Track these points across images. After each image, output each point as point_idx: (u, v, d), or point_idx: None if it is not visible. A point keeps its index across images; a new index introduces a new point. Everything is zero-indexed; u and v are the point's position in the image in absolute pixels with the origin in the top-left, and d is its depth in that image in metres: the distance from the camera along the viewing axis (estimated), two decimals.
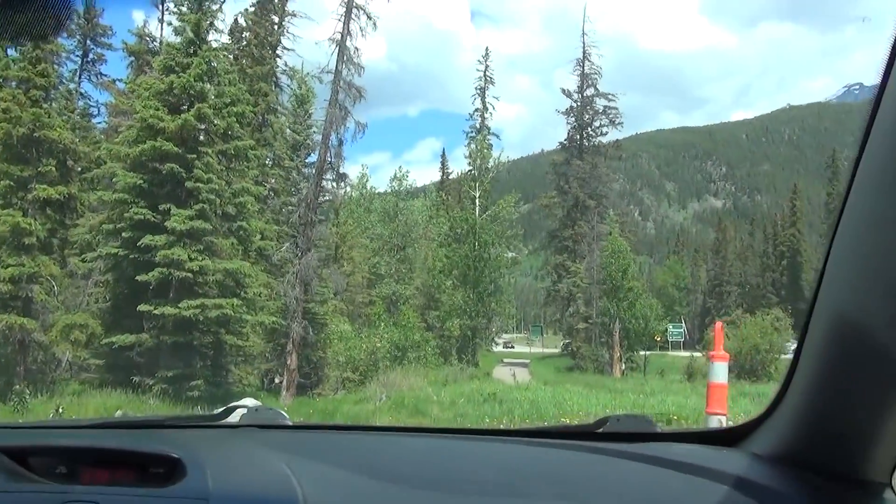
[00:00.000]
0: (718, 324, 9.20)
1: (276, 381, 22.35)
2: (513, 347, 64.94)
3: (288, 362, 21.33)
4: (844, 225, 0.92)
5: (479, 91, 45.37)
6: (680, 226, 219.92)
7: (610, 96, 41.63)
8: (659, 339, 48.69)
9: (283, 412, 1.93)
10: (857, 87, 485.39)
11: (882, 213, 0.80)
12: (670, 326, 49.89)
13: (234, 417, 1.87)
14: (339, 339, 25.10)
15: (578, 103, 41.38)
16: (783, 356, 29.59)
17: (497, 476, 1.37)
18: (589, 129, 41.55)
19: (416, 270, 42.20)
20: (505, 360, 41.77)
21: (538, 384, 23.05)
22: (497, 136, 46.94)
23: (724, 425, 7.45)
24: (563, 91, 41.76)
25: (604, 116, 41.48)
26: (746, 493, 1.18)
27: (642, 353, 36.46)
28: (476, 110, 45.02)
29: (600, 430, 1.62)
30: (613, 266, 33.62)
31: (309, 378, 22.91)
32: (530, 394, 17.76)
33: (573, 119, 41.55)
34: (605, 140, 41.83)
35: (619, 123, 41.85)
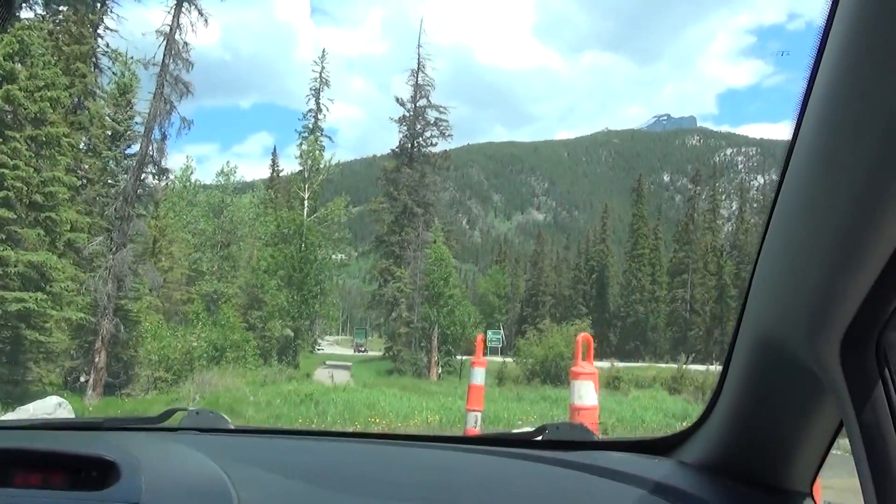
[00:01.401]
0: (479, 336, 10.74)
1: (82, 379, 21.22)
2: (365, 351, 64.12)
3: (96, 360, 20.34)
4: (768, 243, 0.95)
5: (313, 92, 45.36)
6: (504, 236, 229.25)
7: (441, 109, 42.94)
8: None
9: (224, 416, 1.90)
10: (665, 117, 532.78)
11: (801, 236, 0.85)
12: (490, 333, 52.06)
13: (173, 420, 1.88)
14: (152, 337, 24.21)
15: (411, 113, 42.41)
16: None
17: (434, 482, 1.39)
18: (420, 138, 42.70)
19: (240, 269, 41.28)
20: (327, 363, 41.95)
21: (356, 386, 23.63)
22: (330, 138, 47.16)
23: (479, 421, 8.63)
24: (397, 100, 42.66)
25: (435, 128, 42.62)
26: (674, 501, 1.22)
27: (459, 357, 38.07)
28: (310, 111, 45.01)
29: (538, 437, 1.66)
30: (436, 273, 34.96)
31: (118, 377, 21.95)
32: (346, 395, 18.32)
33: (405, 128, 42.50)
34: (435, 150, 43.04)
35: (448, 135, 43.18)
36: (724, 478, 1.29)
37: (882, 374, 0.82)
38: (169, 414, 1.91)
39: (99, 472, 1.33)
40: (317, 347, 47.93)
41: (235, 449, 1.60)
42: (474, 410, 8.37)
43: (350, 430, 9.72)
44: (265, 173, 62.10)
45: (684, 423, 14.30)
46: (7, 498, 1.22)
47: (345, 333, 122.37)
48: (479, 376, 8.73)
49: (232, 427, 1.86)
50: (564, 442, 1.60)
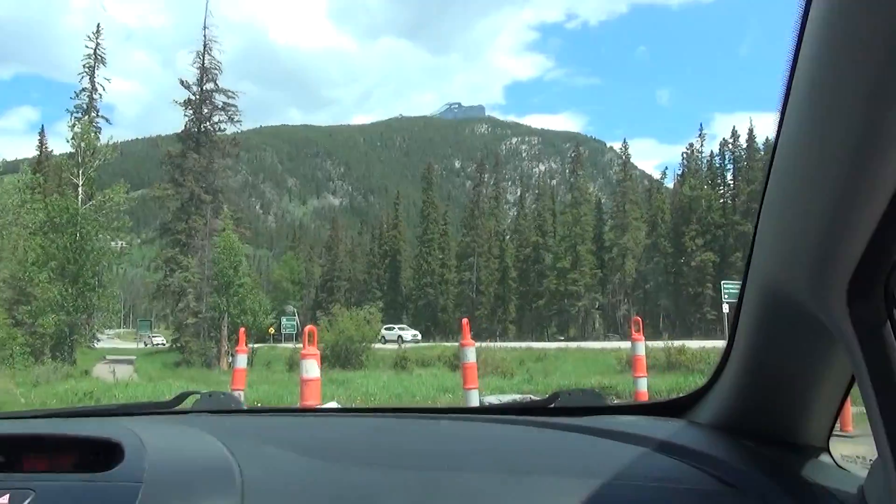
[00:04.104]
0: (242, 329, 12.48)
1: None
2: (164, 344, 60.12)
3: None
4: (770, 193, 0.93)
5: (87, 70, 42.35)
6: (299, 221, 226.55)
7: (230, 93, 41.73)
8: (272, 331, 50.48)
9: (237, 397, 1.95)
10: (457, 105, 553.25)
11: (800, 183, 0.82)
12: (284, 319, 52.00)
13: (186, 403, 1.90)
14: None
15: (197, 97, 40.88)
16: (375, 345, 33.45)
17: (441, 451, 1.39)
18: (207, 123, 41.15)
19: (3, 261, 37.74)
20: (107, 357, 39.73)
21: (141, 381, 22.99)
22: (107, 119, 44.26)
23: (243, 399, 9.54)
24: (182, 83, 40.81)
25: (223, 112, 41.40)
26: (687, 460, 1.21)
27: (252, 346, 37.81)
28: (83, 89, 41.96)
29: (551, 405, 1.67)
30: (225, 262, 34.29)
31: None
32: (129, 391, 17.95)
33: (191, 112, 40.85)
34: (224, 134, 41.85)
35: (237, 121, 42.17)
36: (738, 436, 1.28)
37: (892, 319, 0.81)
38: (182, 398, 1.92)
39: (104, 455, 1.32)
40: (96, 342, 44.96)
41: (243, 428, 1.60)
42: (238, 390, 10.01)
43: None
44: (31, 152, 56.81)
45: (449, 395, 15.54)
46: (13, 482, 1.22)
47: (127, 326, 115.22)
48: (242, 361, 10.91)
49: (243, 408, 1.89)
50: (576, 408, 1.62)
